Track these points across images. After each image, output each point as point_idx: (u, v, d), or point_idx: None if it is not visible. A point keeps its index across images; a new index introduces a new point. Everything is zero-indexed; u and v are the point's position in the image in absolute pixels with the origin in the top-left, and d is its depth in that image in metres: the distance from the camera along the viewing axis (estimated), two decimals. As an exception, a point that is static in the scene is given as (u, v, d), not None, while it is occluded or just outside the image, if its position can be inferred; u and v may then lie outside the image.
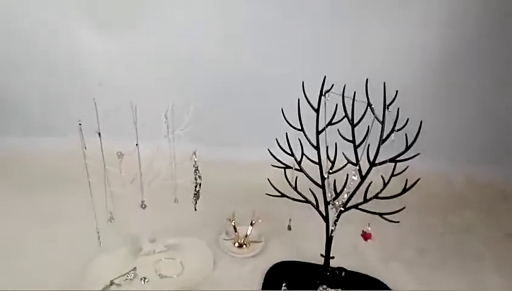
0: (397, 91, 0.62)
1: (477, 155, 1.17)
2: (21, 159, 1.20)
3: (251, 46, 1.10)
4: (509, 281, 0.84)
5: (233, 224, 0.94)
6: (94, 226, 0.80)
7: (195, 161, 0.82)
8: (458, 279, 0.84)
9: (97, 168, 0.76)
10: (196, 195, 0.86)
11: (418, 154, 0.66)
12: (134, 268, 0.83)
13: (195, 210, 0.86)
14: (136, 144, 0.75)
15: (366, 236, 0.76)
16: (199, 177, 0.84)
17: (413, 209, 1.06)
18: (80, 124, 0.68)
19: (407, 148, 0.65)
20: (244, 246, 0.92)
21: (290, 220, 0.80)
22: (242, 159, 1.13)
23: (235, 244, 0.93)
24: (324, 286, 0.79)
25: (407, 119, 0.63)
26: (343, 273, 0.80)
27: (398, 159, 0.66)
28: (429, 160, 1.19)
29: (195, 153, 0.81)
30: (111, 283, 0.79)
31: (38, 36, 1.14)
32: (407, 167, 0.67)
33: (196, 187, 0.84)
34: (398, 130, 0.64)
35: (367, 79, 0.62)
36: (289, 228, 0.81)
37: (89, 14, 1.10)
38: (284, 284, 0.81)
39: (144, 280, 0.81)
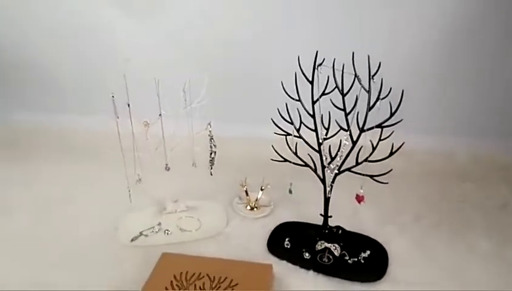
0: (380, 63, 0.70)
1: (479, 129, 1.21)
2: (60, 133, 1.38)
3: (259, 28, 1.22)
4: (497, 248, 0.89)
5: (245, 188, 1.05)
6: (126, 188, 0.94)
7: (210, 131, 0.94)
8: (450, 243, 0.91)
9: (127, 135, 0.90)
10: (212, 161, 0.98)
11: (401, 120, 0.73)
12: (159, 223, 0.97)
13: (211, 174, 0.98)
14: (160, 115, 0.88)
15: (359, 198, 0.85)
16: (214, 145, 0.97)
17: (413, 180, 1.14)
18: (113, 96, 0.82)
19: (392, 114, 0.73)
20: (255, 209, 1.04)
21: (291, 184, 0.90)
22: (253, 134, 1.25)
23: (246, 206, 1.05)
24: (322, 241, 0.88)
25: (390, 89, 0.71)
26: (340, 231, 0.90)
27: (384, 124, 0.75)
28: (432, 135, 1.25)
29: (209, 124, 0.93)
30: (140, 234, 0.94)
31: (71, 18, 1.29)
32: (393, 132, 0.75)
33: (211, 154, 0.97)
34: (383, 98, 0.72)
35: (353, 53, 0.70)
36: (290, 191, 0.91)
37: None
38: (287, 239, 0.92)
39: (167, 233, 0.95)
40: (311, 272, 0.82)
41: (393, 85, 0.71)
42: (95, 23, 1.28)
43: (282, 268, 0.83)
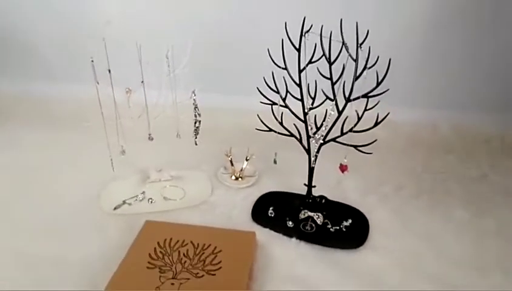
0: (368, 31, 0.69)
1: (463, 102, 1.22)
2: (41, 101, 1.34)
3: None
4: (474, 217, 0.92)
5: (230, 158, 1.05)
6: (108, 156, 0.92)
7: (194, 99, 0.92)
8: (429, 213, 0.94)
9: (109, 104, 0.87)
10: (196, 131, 0.96)
11: (387, 90, 0.73)
12: (143, 192, 0.97)
13: (196, 144, 0.97)
14: (142, 81, 0.86)
15: (342, 168, 0.86)
16: (199, 114, 0.95)
17: (397, 152, 1.16)
18: (92, 61, 0.78)
19: (378, 84, 0.73)
20: (240, 179, 1.04)
21: (275, 154, 0.90)
22: (239, 104, 1.23)
23: (231, 177, 1.05)
24: (306, 210, 0.90)
25: (378, 57, 0.70)
26: (323, 201, 0.91)
27: (370, 94, 0.74)
28: (417, 108, 1.26)
29: (194, 92, 0.91)
30: (124, 202, 0.93)
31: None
32: (379, 101, 0.74)
33: (195, 123, 0.95)
34: (370, 68, 0.71)
35: (341, 19, 0.69)
36: (275, 161, 0.91)
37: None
38: (271, 208, 0.93)
39: (151, 201, 0.94)
40: (294, 239, 0.84)
41: (380, 54, 0.71)
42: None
43: (265, 236, 0.84)
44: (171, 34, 0.87)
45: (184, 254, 0.74)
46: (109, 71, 0.81)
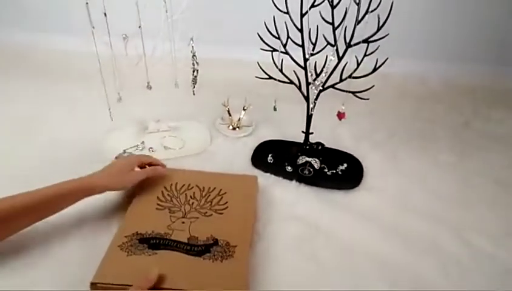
0: (371, -26, 0.69)
1: (451, 54, 1.26)
2: (35, 52, 1.29)
3: None
4: (458, 160, 0.99)
5: (227, 109, 1.06)
6: (106, 107, 0.91)
7: (192, 47, 0.91)
8: (418, 157, 0.99)
9: (105, 51, 0.85)
10: (194, 80, 0.96)
11: (387, 35, 0.74)
12: (143, 142, 0.98)
13: (193, 94, 0.97)
14: (139, 26, 0.83)
15: (340, 115, 0.89)
16: (197, 63, 0.94)
17: (388, 103, 1.20)
18: (87, 3, 0.75)
19: (379, 29, 0.74)
20: (237, 129, 1.06)
21: (275, 101, 0.92)
22: (237, 55, 1.22)
23: (229, 127, 1.06)
24: (304, 156, 0.94)
25: (380, 1, 0.71)
26: (320, 147, 0.95)
27: (370, 39, 0.76)
28: (408, 60, 1.29)
29: (192, 39, 0.90)
30: (124, 151, 0.94)
31: None
32: (379, 46, 0.76)
33: (193, 72, 0.95)
34: (372, 11, 0.72)
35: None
36: (275, 109, 0.93)
37: None
38: (270, 155, 0.96)
39: (151, 150, 0.96)
40: (293, 182, 0.88)
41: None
42: None
43: (266, 180, 0.88)
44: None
45: (190, 196, 0.77)
46: (105, 14, 0.79)
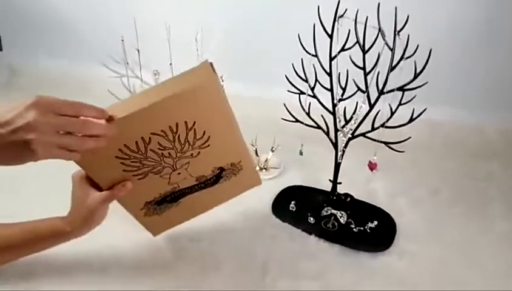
0: (407, 16, 0.63)
1: (509, 105, 1.11)
2: (77, 79, 1.37)
3: None
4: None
5: (255, 148, 1.03)
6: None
7: (222, 85, 0.90)
8: (465, 220, 0.86)
9: (136, 84, 0.88)
10: (222, 117, 0.95)
11: (426, 83, 0.67)
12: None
13: (220, 131, 0.96)
14: (170, 63, 0.85)
15: (371, 166, 0.81)
16: (225, 101, 0.93)
17: (434, 153, 1.08)
18: (122, 40, 0.79)
19: (415, 76, 0.67)
20: (264, 170, 1.02)
21: (302, 145, 0.87)
22: (266, 94, 1.20)
23: (255, 167, 1.02)
24: (329, 207, 0.86)
25: (417, 46, 0.64)
26: (348, 199, 0.87)
27: (406, 87, 0.69)
28: (461, 109, 1.16)
29: (221, 78, 0.89)
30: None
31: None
32: (415, 95, 0.69)
33: (222, 109, 0.93)
34: (408, 58, 0.66)
35: (379, 4, 0.63)
36: (301, 153, 0.88)
37: None
38: (293, 202, 0.89)
39: (173, 186, 0.94)
40: (313, 236, 0.80)
41: (421, 43, 0.65)
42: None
43: (284, 230, 0.82)
44: (201, 16, 0.86)
45: (159, 148, 0.59)
46: (138, 51, 0.82)
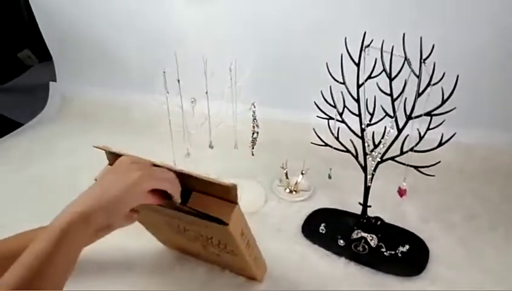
0: (433, 46, 0.65)
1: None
2: (119, 107, 1.49)
3: (305, 15, 1.18)
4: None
5: (285, 171, 1.06)
6: (172, 161, 0.99)
7: (254, 111, 0.95)
8: (503, 247, 0.83)
9: (176, 111, 0.94)
10: (254, 141, 0.99)
11: (454, 108, 0.68)
12: (201, 197, 1.02)
13: (252, 154, 1.00)
14: (206, 92, 0.92)
15: (401, 192, 0.81)
16: (257, 125, 0.98)
17: (469, 177, 1.06)
18: (164, 72, 0.86)
19: (443, 102, 0.68)
20: (294, 192, 1.04)
21: (330, 169, 0.89)
22: (296, 119, 1.24)
23: (285, 189, 1.05)
24: (359, 230, 0.86)
25: (444, 73, 0.66)
26: (379, 222, 0.87)
27: (433, 113, 0.70)
28: (496, 132, 1.14)
29: (253, 104, 0.94)
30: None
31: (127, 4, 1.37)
32: (444, 120, 0.70)
33: (253, 134, 0.98)
34: (434, 84, 0.67)
35: (404, 34, 0.66)
36: (329, 177, 0.89)
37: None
38: (323, 224, 0.91)
39: (207, 206, 0.99)
40: (343, 259, 0.81)
41: (448, 70, 0.66)
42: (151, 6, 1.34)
43: (314, 252, 0.83)
44: (235, 48, 0.92)
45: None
46: (178, 81, 0.89)
